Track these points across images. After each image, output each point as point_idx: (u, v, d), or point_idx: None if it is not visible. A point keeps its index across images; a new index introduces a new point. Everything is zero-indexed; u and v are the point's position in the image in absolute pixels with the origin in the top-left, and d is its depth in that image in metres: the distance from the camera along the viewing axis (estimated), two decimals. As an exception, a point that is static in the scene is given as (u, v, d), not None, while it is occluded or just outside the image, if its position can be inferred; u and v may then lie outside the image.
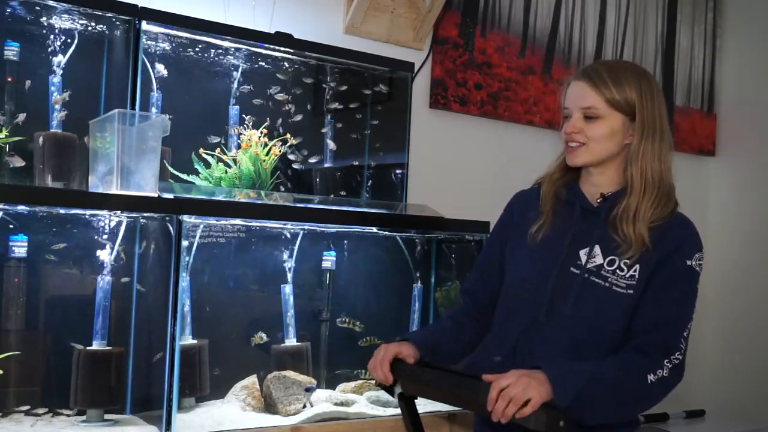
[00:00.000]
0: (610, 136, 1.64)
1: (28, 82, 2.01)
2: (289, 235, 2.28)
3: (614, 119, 1.64)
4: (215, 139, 2.29)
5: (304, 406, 2.12)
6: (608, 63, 1.72)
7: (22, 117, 1.99)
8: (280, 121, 2.41)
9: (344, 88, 2.57)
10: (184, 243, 1.89)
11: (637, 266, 1.60)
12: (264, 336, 2.23)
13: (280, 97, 2.41)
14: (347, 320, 2.37)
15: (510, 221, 1.79)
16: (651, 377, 1.52)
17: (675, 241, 1.62)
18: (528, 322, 1.65)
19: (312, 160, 2.48)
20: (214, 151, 2.24)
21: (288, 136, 2.38)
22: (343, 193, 2.55)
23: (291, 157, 2.41)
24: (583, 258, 1.64)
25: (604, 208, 1.66)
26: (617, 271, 1.61)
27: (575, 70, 1.77)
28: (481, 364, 1.70)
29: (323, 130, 2.54)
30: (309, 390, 2.11)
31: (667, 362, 1.54)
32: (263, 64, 2.39)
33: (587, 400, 1.46)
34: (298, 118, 2.45)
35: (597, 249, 1.64)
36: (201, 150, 2.23)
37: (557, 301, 1.63)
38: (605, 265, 1.62)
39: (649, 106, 1.64)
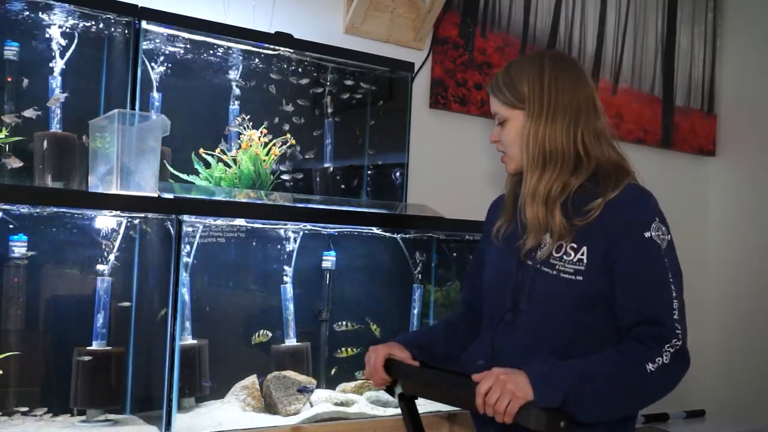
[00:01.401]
0: (518, 135, 1.63)
1: (28, 82, 2.01)
2: (289, 235, 2.28)
3: (517, 118, 1.63)
4: (230, 148, 2.30)
5: (303, 405, 2.11)
6: (506, 65, 1.70)
7: (29, 113, 1.98)
8: (276, 119, 2.41)
9: (344, 88, 2.57)
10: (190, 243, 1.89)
11: (585, 248, 1.54)
12: (269, 333, 2.22)
13: (273, 88, 2.41)
14: (345, 324, 2.36)
15: (489, 228, 1.79)
16: (650, 366, 1.44)
17: (623, 216, 1.53)
18: (498, 323, 1.64)
19: (283, 169, 2.43)
20: (214, 151, 2.25)
21: (288, 135, 2.38)
22: (342, 186, 2.55)
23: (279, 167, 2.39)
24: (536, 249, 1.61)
25: None
26: (564, 257, 1.55)
27: None
28: (466, 367, 1.68)
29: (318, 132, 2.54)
30: (303, 390, 2.11)
31: (668, 347, 1.46)
32: (263, 64, 2.39)
33: (580, 399, 1.42)
34: (301, 120, 2.46)
35: (547, 237, 1.59)
36: (201, 150, 2.23)
37: (518, 297, 1.61)
38: (554, 252, 1.57)
39: (536, 90, 1.61)
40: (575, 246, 1.55)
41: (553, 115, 1.60)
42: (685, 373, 1.49)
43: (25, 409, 1.88)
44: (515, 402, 1.38)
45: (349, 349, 2.35)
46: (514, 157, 1.65)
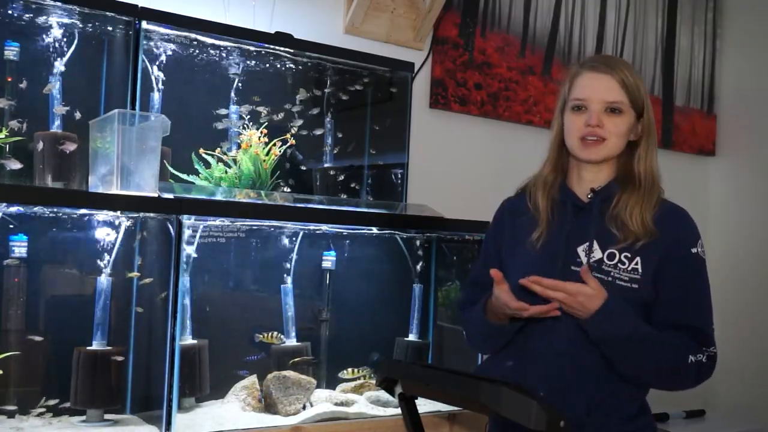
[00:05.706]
0: (626, 133, 1.67)
1: (27, 82, 2.00)
2: (289, 235, 2.28)
3: (630, 117, 1.67)
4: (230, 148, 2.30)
5: (303, 404, 2.12)
6: (619, 59, 1.73)
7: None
8: (276, 120, 2.41)
9: (344, 88, 2.57)
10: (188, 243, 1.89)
11: (638, 259, 1.60)
12: (283, 337, 2.22)
13: (273, 88, 2.41)
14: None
15: (503, 230, 1.78)
16: (692, 357, 1.57)
17: (674, 231, 1.63)
18: (535, 323, 1.64)
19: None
20: (214, 151, 2.25)
21: (288, 135, 2.38)
22: (342, 186, 2.56)
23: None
24: (582, 254, 1.64)
25: (595, 202, 1.67)
26: (618, 264, 1.61)
27: (585, 60, 1.75)
28: (493, 370, 1.71)
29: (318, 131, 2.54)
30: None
31: (705, 349, 1.59)
32: (263, 64, 2.39)
33: (621, 350, 1.55)
34: (300, 122, 2.46)
35: (595, 244, 1.64)
36: (201, 150, 2.23)
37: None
38: (605, 259, 1.62)
39: (649, 106, 1.69)
40: (629, 255, 1.61)
41: (654, 136, 1.70)
42: (710, 377, 1.64)
43: (25, 408, 1.87)
44: (578, 311, 1.55)
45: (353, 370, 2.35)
46: (615, 147, 1.67)
